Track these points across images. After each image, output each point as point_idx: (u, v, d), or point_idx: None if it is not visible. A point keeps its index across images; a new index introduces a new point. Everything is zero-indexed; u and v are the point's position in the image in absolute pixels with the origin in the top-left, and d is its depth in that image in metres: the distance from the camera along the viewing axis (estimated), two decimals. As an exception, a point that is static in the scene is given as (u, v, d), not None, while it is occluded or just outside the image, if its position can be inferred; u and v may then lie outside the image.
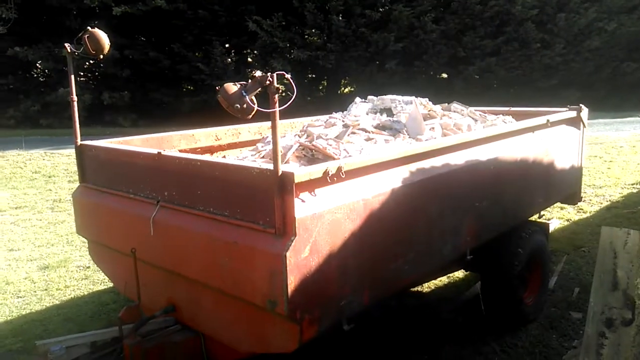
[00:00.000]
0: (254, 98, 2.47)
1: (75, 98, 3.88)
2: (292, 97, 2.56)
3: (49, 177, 10.82)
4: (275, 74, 2.42)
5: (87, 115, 17.86)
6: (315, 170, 2.66)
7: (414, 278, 3.47)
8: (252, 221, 2.75)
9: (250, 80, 2.57)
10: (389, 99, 5.15)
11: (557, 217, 8.43)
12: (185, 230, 3.11)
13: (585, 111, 5.69)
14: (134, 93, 20.67)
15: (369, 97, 5.42)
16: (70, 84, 3.84)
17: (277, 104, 2.44)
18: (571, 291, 5.75)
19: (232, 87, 2.46)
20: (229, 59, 20.77)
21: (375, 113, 5.05)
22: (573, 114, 5.55)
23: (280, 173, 2.54)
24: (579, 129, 5.70)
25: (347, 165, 2.80)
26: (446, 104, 5.56)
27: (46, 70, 21.61)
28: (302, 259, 2.60)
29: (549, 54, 19.93)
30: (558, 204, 9.20)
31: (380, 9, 19.85)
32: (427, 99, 5.33)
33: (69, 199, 9.17)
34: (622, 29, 19.72)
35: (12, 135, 16.12)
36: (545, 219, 6.34)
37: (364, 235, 2.94)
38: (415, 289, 6.02)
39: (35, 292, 5.29)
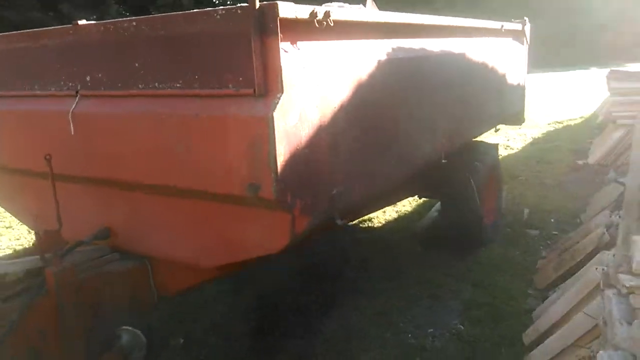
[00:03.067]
0: None
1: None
2: None
3: None
4: None
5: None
6: (301, 9, 2.05)
7: (399, 178, 3.01)
8: (217, 86, 2.09)
9: None
10: (336, 4, 4.59)
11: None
12: (120, 119, 2.37)
13: (528, 25, 5.53)
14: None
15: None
16: None
17: None
18: (521, 213, 5.67)
19: None
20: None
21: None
22: (519, 26, 5.36)
23: (257, 6, 1.91)
24: (523, 45, 5.54)
25: (335, 15, 2.21)
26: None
27: None
28: (291, 125, 2.00)
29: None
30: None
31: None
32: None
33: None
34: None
35: None
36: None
37: (353, 112, 2.40)
38: (365, 224, 5.65)
39: None
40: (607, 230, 3.61)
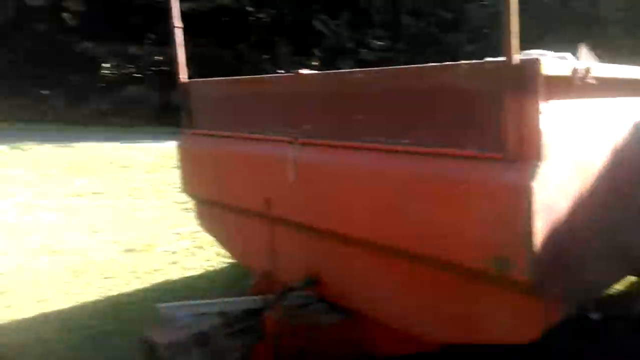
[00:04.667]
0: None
1: (180, 24, 3.20)
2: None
3: (124, 166, 10.36)
4: None
5: (157, 116, 17.21)
6: (562, 65, 1.84)
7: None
8: (453, 146, 1.95)
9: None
10: (535, 53, 4.27)
11: None
12: (345, 170, 2.35)
13: None
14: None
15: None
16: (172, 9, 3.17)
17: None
18: None
19: None
20: (294, 59, 20.33)
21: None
22: None
23: (516, 62, 1.75)
24: None
25: (595, 72, 1.96)
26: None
27: (113, 68, 21.72)
28: (549, 197, 1.77)
29: None
30: None
31: (452, 9, 18.90)
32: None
33: (147, 187, 8.40)
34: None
35: (84, 131, 15.95)
36: None
37: (609, 180, 2.09)
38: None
39: (122, 273, 4.68)
40: None
